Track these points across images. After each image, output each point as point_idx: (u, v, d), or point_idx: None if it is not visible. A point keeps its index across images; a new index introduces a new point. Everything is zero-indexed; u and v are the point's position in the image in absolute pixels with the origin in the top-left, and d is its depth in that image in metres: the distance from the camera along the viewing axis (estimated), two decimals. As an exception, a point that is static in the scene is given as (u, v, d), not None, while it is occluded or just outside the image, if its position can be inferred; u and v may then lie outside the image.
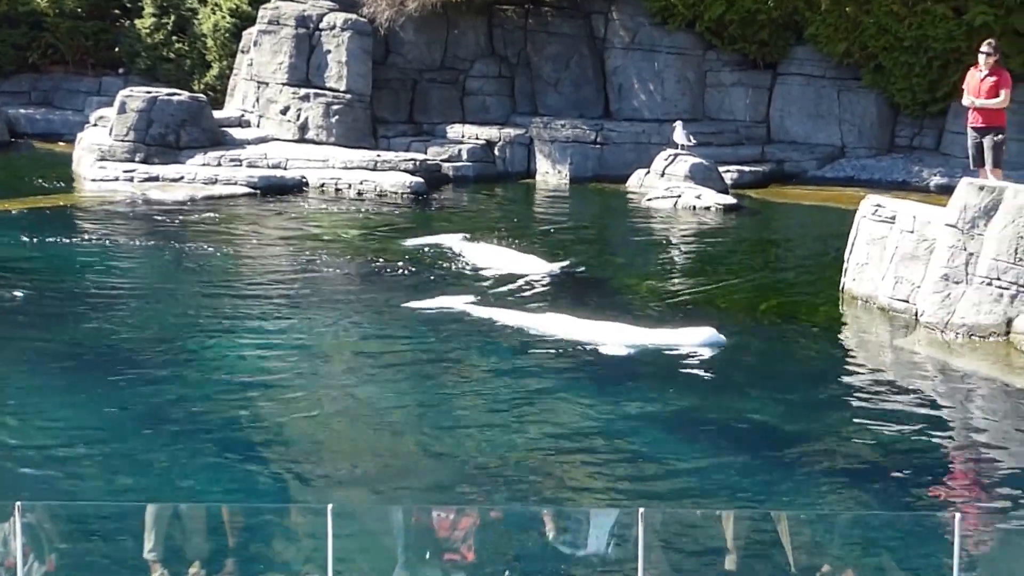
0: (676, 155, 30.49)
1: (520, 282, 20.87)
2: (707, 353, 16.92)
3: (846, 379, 16.38)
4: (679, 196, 28.94)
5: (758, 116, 34.38)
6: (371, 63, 33.22)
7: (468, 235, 24.24)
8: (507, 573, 9.52)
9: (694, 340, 17.23)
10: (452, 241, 23.87)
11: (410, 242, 24.03)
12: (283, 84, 33.04)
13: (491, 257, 22.61)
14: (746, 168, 32.30)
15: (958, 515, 9.66)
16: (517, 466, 13.04)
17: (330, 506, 8.49)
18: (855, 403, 15.38)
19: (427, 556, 9.39)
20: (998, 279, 17.62)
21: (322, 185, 30.18)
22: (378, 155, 31.63)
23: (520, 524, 10.10)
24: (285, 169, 30.72)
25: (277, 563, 9.67)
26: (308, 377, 16.05)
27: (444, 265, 22.20)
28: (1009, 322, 17.48)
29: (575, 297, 19.96)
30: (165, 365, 16.21)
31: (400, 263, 22.21)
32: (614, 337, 17.40)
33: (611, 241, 26.16)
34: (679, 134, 30.48)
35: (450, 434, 14.01)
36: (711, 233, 26.66)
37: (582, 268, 21.80)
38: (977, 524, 10.92)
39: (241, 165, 30.66)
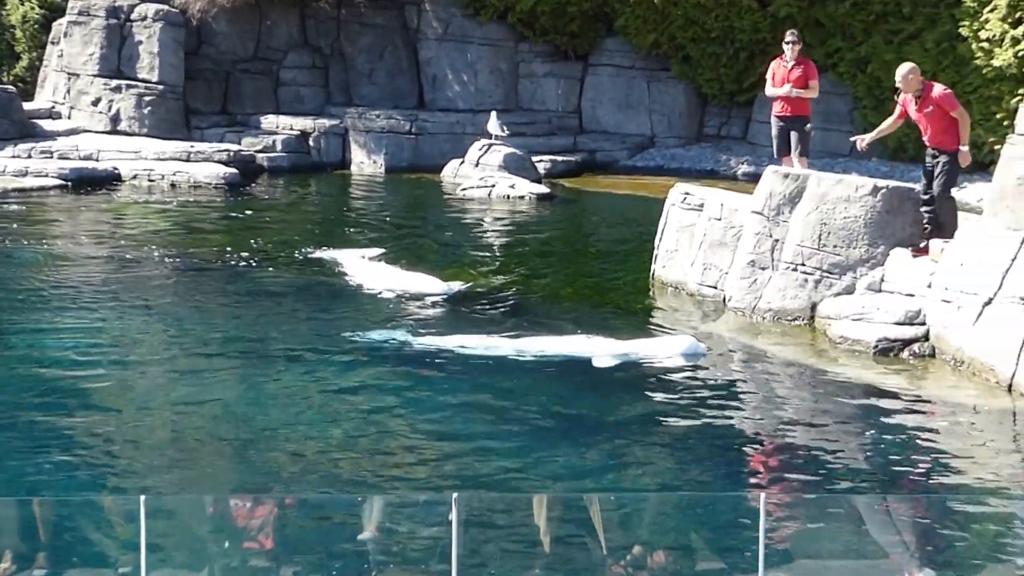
0: (490, 145, 30.77)
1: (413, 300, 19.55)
2: (685, 363, 16.47)
3: (656, 363, 16.61)
4: (493, 186, 29.18)
5: (570, 107, 34.87)
6: (183, 54, 33.06)
7: (371, 253, 22.49)
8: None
9: (673, 350, 16.68)
10: (343, 256, 22.07)
11: (316, 254, 22.45)
12: (94, 75, 32.72)
13: (376, 274, 20.76)
14: (559, 158, 32.71)
15: (763, 493, 9.95)
16: (345, 459, 13.02)
17: (143, 497, 8.49)
18: (664, 387, 15.60)
19: (226, 545, 9.41)
20: (802, 264, 18.06)
21: (135, 177, 29.91)
22: (191, 146, 31.43)
23: (331, 511, 10.15)
24: (97, 161, 30.40)
25: (89, 555, 9.62)
26: (125, 374, 15.78)
27: (312, 268, 21.67)
28: (813, 306, 17.93)
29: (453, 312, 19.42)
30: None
31: (228, 255, 21.99)
32: (579, 349, 16.70)
33: (428, 232, 26.21)
34: (493, 124, 30.73)
35: (279, 431, 13.78)
36: (526, 223, 26.85)
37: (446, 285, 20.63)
38: (782, 501, 11.20)
39: (52, 157, 30.28)
